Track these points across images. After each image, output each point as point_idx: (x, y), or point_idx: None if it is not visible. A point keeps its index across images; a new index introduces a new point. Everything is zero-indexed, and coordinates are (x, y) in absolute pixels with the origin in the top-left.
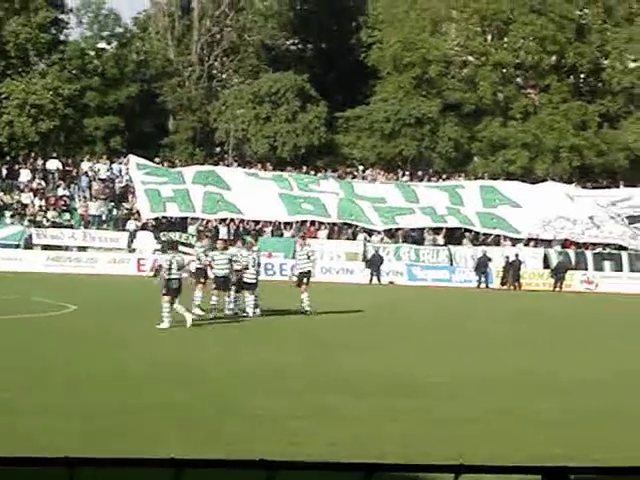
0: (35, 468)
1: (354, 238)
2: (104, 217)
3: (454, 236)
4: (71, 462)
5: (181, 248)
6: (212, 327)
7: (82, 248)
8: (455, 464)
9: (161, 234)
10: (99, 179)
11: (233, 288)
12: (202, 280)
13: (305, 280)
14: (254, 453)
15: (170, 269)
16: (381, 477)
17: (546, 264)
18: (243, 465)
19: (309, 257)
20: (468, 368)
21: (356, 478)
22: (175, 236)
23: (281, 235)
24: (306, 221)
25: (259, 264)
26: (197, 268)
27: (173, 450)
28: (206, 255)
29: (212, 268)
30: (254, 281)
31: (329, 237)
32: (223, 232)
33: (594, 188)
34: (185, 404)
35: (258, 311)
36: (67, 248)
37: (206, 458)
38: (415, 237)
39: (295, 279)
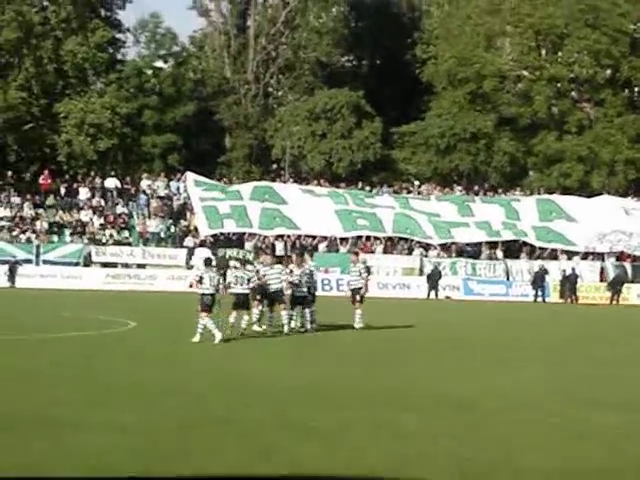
0: None
1: (410, 253)
2: (162, 234)
3: (511, 250)
4: None
5: (235, 264)
6: (268, 342)
7: (141, 265)
8: None
9: (218, 250)
10: (157, 197)
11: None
12: (259, 297)
13: (358, 297)
14: (311, 467)
15: (203, 284)
16: None
17: (603, 277)
18: None
19: (360, 274)
20: (524, 382)
21: None
22: (233, 253)
23: (337, 250)
24: (362, 236)
25: (311, 278)
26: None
27: (232, 465)
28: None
29: (266, 284)
30: (305, 295)
31: (385, 252)
32: (279, 248)
33: None
34: (243, 419)
35: (315, 326)
36: (126, 265)
37: (270, 475)
38: (470, 252)
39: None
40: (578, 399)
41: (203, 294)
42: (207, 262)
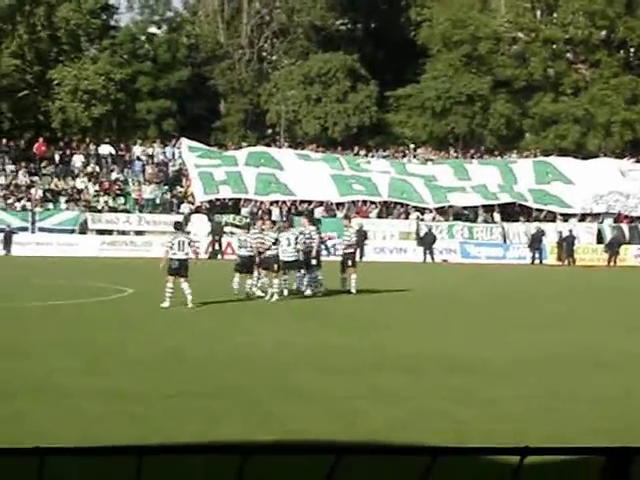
0: (103, 457)
1: (406, 217)
2: (158, 201)
3: (508, 212)
4: (141, 450)
5: (233, 230)
6: (267, 307)
7: (137, 232)
8: (520, 447)
9: (214, 216)
10: (152, 163)
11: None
12: (256, 262)
13: (349, 263)
14: (311, 433)
15: (172, 249)
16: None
17: (600, 239)
18: (311, 450)
19: (351, 239)
20: (522, 345)
21: (418, 460)
22: (229, 219)
23: (334, 215)
24: (357, 201)
25: (309, 243)
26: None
27: (232, 432)
28: (254, 237)
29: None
30: (297, 259)
31: (379, 216)
32: (275, 213)
33: None
34: (241, 385)
35: (317, 290)
36: (122, 232)
37: (271, 442)
38: (467, 215)
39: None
40: (575, 362)
41: (171, 259)
42: (176, 226)
